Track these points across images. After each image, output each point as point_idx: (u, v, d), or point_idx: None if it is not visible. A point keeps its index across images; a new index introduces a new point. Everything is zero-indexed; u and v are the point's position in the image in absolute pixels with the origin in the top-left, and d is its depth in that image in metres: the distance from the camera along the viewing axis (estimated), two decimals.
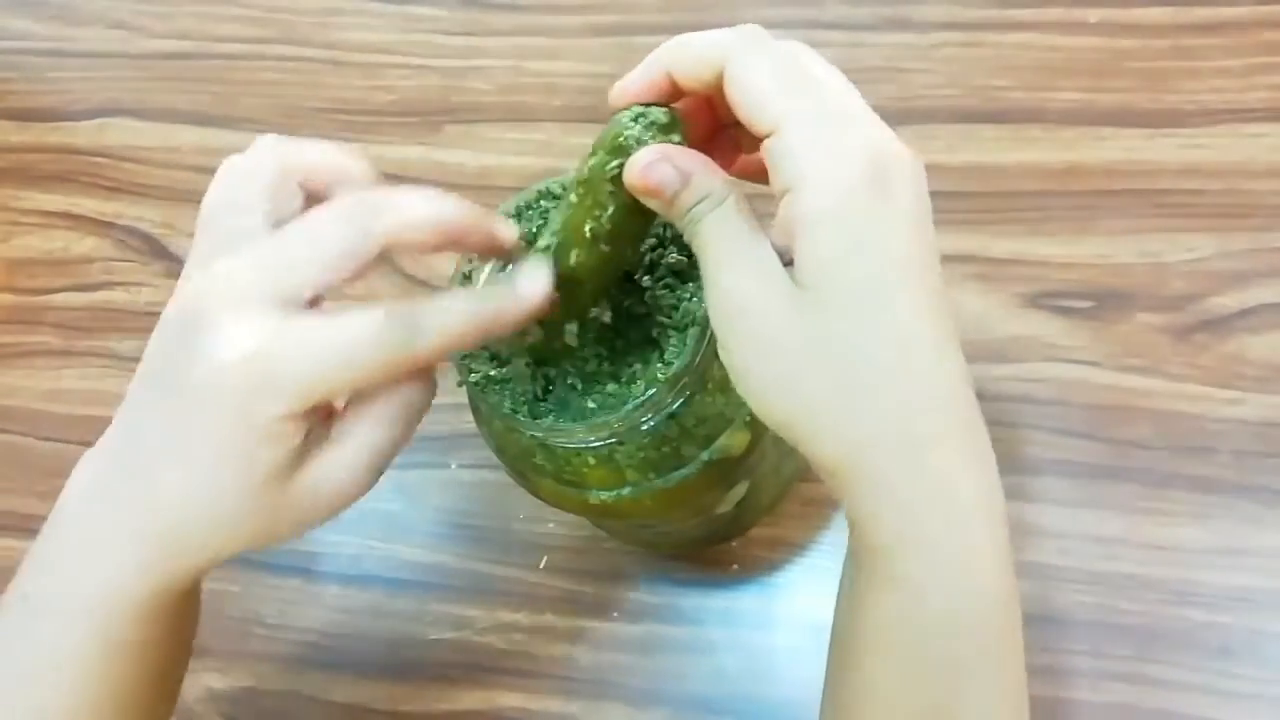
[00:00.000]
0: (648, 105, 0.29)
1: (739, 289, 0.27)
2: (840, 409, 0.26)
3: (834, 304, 0.26)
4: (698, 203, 0.27)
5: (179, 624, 0.33)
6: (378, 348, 0.27)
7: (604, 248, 0.30)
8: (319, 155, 0.30)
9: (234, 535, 0.29)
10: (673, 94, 0.29)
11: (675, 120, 0.29)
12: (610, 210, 0.29)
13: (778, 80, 0.26)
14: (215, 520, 0.29)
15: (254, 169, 0.29)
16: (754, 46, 0.27)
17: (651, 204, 0.28)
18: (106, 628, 0.30)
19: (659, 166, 0.27)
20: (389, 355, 0.27)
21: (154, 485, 0.29)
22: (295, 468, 0.28)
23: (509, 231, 0.31)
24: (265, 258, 0.28)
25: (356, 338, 0.27)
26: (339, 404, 0.30)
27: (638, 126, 0.28)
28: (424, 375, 0.30)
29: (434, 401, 0.30)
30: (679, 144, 0.28)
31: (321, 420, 0.29)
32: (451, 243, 0.29)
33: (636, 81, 0.29)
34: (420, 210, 0.29)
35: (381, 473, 0.30)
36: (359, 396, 0.29)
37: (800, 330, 0.26)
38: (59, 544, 0.30)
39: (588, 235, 0.30)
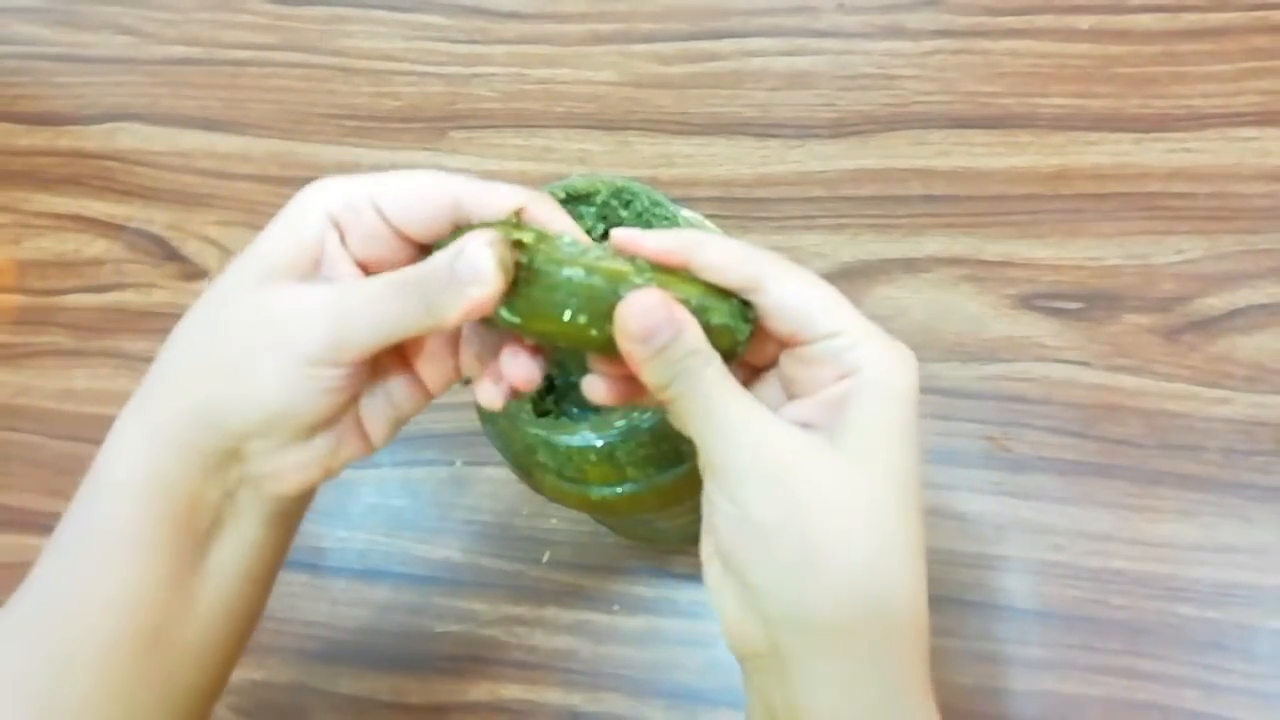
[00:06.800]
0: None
1: (770, 438, 0.26)
2: (911, 571, 0.26)
3: (884, 471, 0.26)
4: (686, 356, 0.26)
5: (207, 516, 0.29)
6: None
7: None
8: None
9: (231, 353, 0.27)
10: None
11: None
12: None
13: (825, 297, 0.27)
14: (211, 338, 0.28)
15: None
16: (782, 269, 0.27)
17: (626, 349, 0.26)
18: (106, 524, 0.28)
19: (657, 312, 0.25)
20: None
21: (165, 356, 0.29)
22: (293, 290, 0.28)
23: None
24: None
25: None
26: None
27: (727, 306, 0.27)
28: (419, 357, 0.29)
29: (438, 400, 0.30)
30: (747, 334, 0.28)
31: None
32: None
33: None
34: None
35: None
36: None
37: (849, 485, 0.26)
38: None
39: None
